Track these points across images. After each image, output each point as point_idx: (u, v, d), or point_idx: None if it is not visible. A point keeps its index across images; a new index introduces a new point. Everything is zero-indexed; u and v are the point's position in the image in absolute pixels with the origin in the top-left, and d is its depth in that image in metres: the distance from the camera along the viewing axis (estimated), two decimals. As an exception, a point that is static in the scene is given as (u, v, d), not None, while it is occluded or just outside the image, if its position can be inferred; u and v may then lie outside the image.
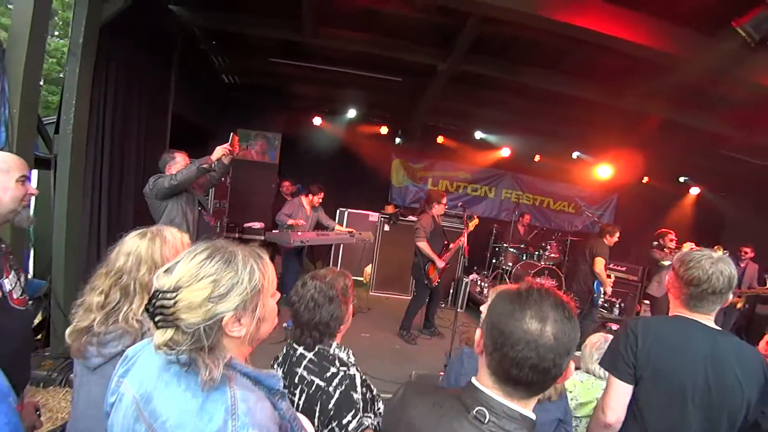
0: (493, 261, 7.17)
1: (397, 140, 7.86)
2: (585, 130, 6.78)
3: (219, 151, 3.05)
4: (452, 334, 3.77)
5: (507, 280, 6.51)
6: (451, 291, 6.49)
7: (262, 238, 5.34)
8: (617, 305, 6.66)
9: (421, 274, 4.48)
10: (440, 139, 7.67)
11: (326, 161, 7.76)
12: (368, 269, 6.87)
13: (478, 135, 7.48)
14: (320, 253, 7.03)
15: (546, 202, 8.90)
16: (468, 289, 6.29)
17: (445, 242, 4.68)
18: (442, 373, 3.52)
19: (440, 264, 4.47)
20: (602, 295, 4.92)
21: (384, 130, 7.33)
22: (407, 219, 6.51)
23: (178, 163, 3.06)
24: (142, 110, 3.92)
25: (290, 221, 4.72)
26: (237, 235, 5.76)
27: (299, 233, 4.34)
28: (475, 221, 5.02)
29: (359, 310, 5.32)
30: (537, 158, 8.03)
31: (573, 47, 4.14)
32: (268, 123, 6.91)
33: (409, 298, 6.05)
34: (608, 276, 4.80)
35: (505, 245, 6.92)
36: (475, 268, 7.91)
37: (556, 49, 4.38)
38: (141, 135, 3.94)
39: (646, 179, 8.40)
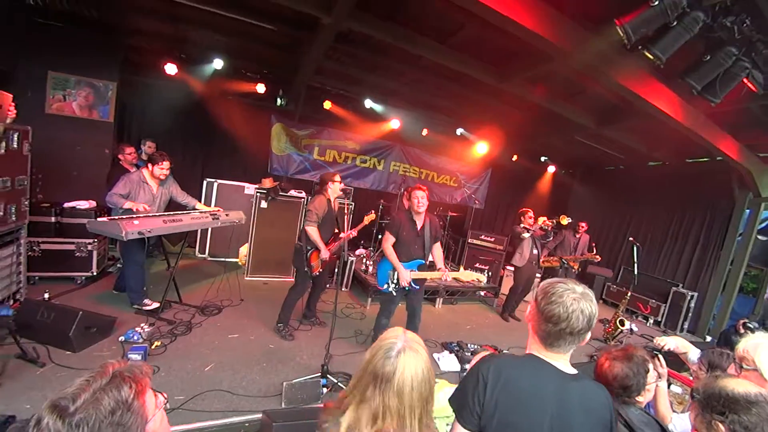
0: (379, 236, 7.05)
1: (278, 102, 6.90)
2: (469, 108, 6.92)
3: None
4: (333, 319, 3.41)
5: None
6: (336, 270, 6.17)
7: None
8: (486, 273, 7.21)
9: (302, 261, 3.95)
10: (327, 105, 6.98)
11: (185, 121, 6.39)
12: (243, 250, 6.07)
13: (368, 104, 7.03)
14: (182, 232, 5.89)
15: (431, 175, 9.11)
16: (353, 267, 6.07)
17: (336, 230, 4.22)
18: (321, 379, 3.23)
19: (325, 254, 4.00)
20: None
21: (261, 88, 6.28)
22: (288, 194, 5.84)
23: None
24: None
25: (127, 204, 3.63)
26: (53, 219, 4.32)
27: (136, 221, 3.34)
28: (372, 216, 4.58)
29: (230, 303, 4.64)
30: (425, 132, 8.02)
31: (465, 20, 3.91)
32: (98, 67, 5.12)
33: (292, 280, 5.56)
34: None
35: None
36: (362, 242, 7.76)
37: (449, 21, 4.12)
38: None
39: (515, 157, 9.20)
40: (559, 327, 1.21)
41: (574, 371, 1.29)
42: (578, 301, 1.21)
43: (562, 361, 1.28)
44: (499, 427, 1.20)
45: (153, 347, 3.39)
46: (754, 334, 3.73)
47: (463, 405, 1.24)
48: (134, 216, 3.51)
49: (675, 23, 2.83)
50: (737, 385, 1.18)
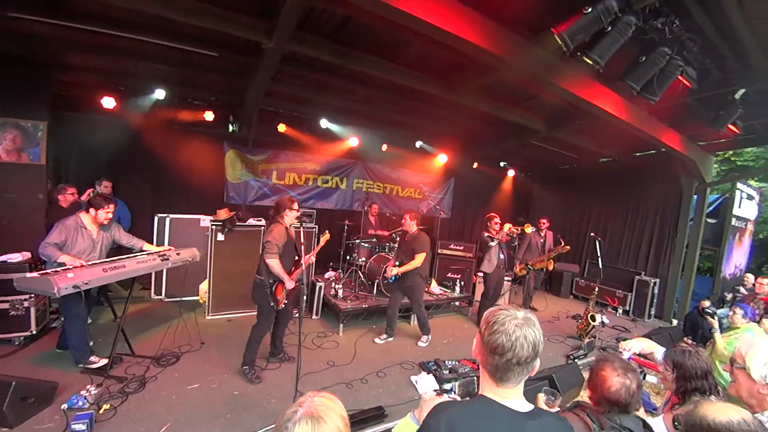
0: (347, 257, 6.88)
1: (230, 128, 6.65)
2: (426, 121, 6.96)
3: None
4: (299, 354, 3.21)
5: (361, 275, 6.28)
6: (305, 297, 5.89)
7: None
8: (458, 282, 7.16)
9: (265, 296, 3.71)
10: (282, 128, 6.80)
11: (129, 157, 6.02)
12: (204, 286, 5.70)
13: (324, 124, 6.91)
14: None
15: (395, 189, 9.07)
16: (322, 292, 5.83)
17: (296, 257, 3.99)
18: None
19: (290, 285, 3.79)
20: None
21: (210, 115, 6.03)
22: (246, 224, 5.57)
23: None
24: None
25: (62, 258, 3.30)
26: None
27: (70, 273, 3.01)
28: (327, 236, 4.37)
29: (189, 348, 4.28)
30: (384, 147, 7.99)
31: (410, 37, 3.90)
32: (25, 106, 4.66)
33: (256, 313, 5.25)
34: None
35: (357, 240, 6.67)
36: (331, 264, 7.56)
37: (394, 39, 4.09)
38: None
39: (475, 165, 9.35)
40: (505, 358, 1.13)
41: (529, 407, 1.19)
42: (521, 327, 1.14)
43: (513, 398, 1.19)
44: None
45: (101, 412, 3.03)
46: (715, 318, 3.85)
47: None
48: (68, 267, 3.17)
49: (609, 28, 2.92)
50: (719, 413, 1.12)
